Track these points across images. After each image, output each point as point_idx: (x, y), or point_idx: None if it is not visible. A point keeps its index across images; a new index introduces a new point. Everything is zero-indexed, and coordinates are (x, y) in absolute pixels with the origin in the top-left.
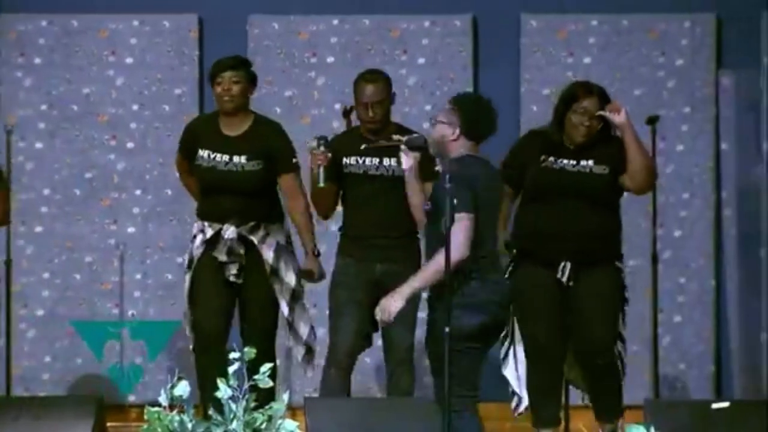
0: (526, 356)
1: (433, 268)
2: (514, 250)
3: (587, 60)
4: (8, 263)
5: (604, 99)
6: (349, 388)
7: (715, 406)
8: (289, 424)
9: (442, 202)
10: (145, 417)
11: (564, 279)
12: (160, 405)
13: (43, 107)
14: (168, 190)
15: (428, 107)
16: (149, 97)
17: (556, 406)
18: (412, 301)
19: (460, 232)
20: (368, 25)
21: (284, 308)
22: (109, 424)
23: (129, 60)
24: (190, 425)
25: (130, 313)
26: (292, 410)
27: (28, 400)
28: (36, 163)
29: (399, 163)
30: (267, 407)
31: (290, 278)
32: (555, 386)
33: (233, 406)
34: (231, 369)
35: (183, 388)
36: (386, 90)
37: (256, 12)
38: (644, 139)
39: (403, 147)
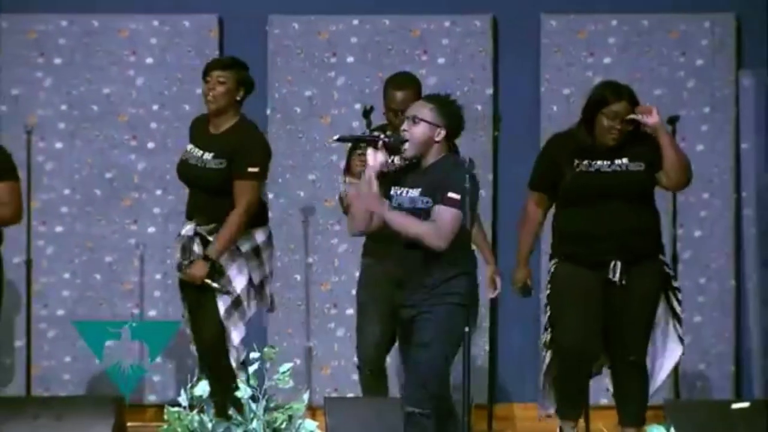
0: (558, 352)
1: (415, 227)
2: (554, 259)
3: (607, 60)
4: (29, 263)
5: (633, 101)
6: (384, 386)
7: (735, 406)
8: (309, 423)
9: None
10: (165, 417)
11: (616, 278)
12: (179, 405)
13: (64, 107)
14: (188, 190)
15: None
16: (169, 97)
17: (583, 401)
18: None
19: (450, 223)
20: (388, 25)
21: (220, 309)
22: (128, 424)
23: (149, 60)
24: (210, 425)
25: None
26: (312, 410)
27: (49, 400)
28: (56, 164)
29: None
30: (287, 407)
31: (239, 283)
32: (585, 383)
33: (253, 405)
34: (250, 369)
35: (203, 388)
36: (416, 96)
37: (276, 12)
38: None
39: (380, 144)
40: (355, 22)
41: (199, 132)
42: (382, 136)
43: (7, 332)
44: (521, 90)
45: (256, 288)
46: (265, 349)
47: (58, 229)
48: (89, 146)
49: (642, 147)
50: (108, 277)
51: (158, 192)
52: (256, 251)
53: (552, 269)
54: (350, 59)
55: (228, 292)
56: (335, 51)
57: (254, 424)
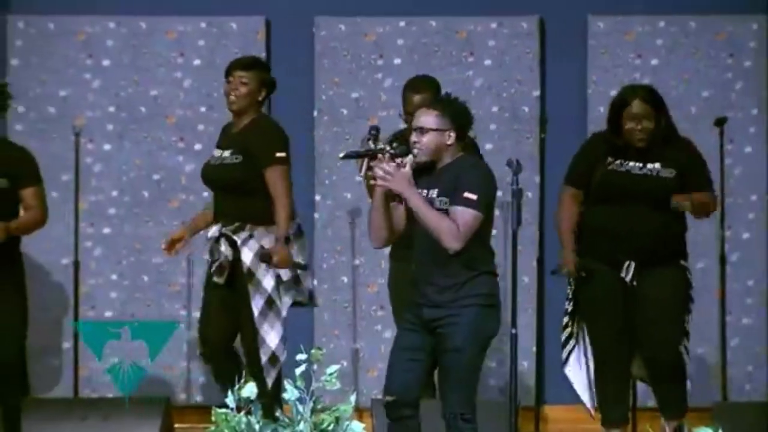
0: (594, 356)
1: (437, 221)
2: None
3: (654, 62)
4: (76, 265)
5: (653, 101)
6: (432, 385)
7: None
8: (356, 425)
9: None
10: (212, 418)
11: (628, 278)
12: (226, 406)
13: (111, 109)
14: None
15: (495, 109)
16: (217, 99)
17: (624, 405)
18: None
19: (466, 224)
20: (435, 26)
21: (255, 312)
22: (175, 425)
23: (197, 62)
24: (257, 426)
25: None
26: (359, 412)
27: (96, 402)
28: (104, 165)
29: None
30: (334, 408)
31: (268, 283)
32: (623, 386)
33: (300, 407)
34: (298, 371)
35: (250, 389)
36: (433, 99)
37: (322, 14)
38: (712, 141)
39: (386, 156)
40: (402, 23)
41: (223, 133)
42: (387, 148)
43: (55, 334)
44: (568, 92)
45: (288, 284)
46: (312, 351)
47: (106, 230)
48: (137, 148)
49: (676, 153)
50: (155, 278)
51: (205, 194)
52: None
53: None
54: (397, 61)
55: (305, 267)
56: (382, 53)
57: (301, 425)
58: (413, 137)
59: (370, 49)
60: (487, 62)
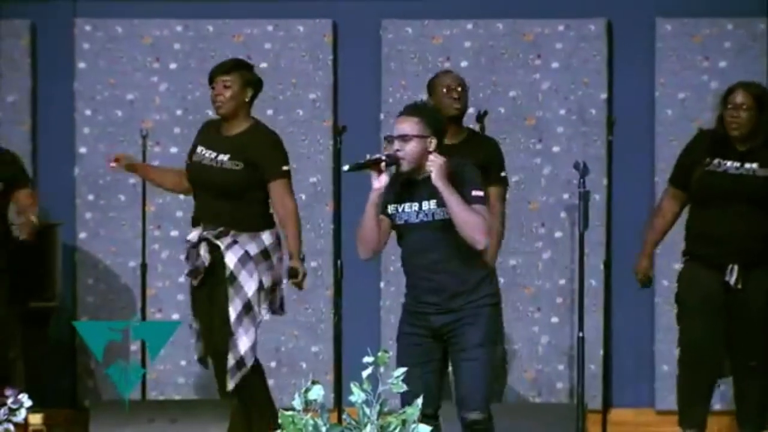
0: (679, 358)
1: (468, 213)
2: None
3: (723, 64)
4: (143, 267)
5: (756, 92)
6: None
7: None
8: (423, 428)
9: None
10: (279, 421)
11: (732, 281)
12: (294, 409)
13: (179, 112)
14: (302, 195)
15: (562, 111)
16: (283, 102)
17: (704, 408)
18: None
19: (488, 219)
20: (502, 29)
21: (232, 315)
22: None
23: (263, 65)
24: (324, 429)
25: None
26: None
27: (164, 404)
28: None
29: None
30: (401, 412)
31: (249, 288)
32: (706, 388)
33: (367, 410)
34: (365, 373)
35: (317, 392)
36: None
37: (389, 17)
38: None
39: (383, 165)
40: (469, 26)
41: (209, 134)
42: (383, 156)
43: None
44: (636, 94)
45: (267, 291)
46: (379, 354)
47: (173, 233)
48: None
49: None
50: None
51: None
52: (265, 254)
53: (680, 269)
54: (464, 63)
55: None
56: (449, 55)
57: (368, 428)
58: (396, 145)
59: (437, 52)
60: (555, 65)
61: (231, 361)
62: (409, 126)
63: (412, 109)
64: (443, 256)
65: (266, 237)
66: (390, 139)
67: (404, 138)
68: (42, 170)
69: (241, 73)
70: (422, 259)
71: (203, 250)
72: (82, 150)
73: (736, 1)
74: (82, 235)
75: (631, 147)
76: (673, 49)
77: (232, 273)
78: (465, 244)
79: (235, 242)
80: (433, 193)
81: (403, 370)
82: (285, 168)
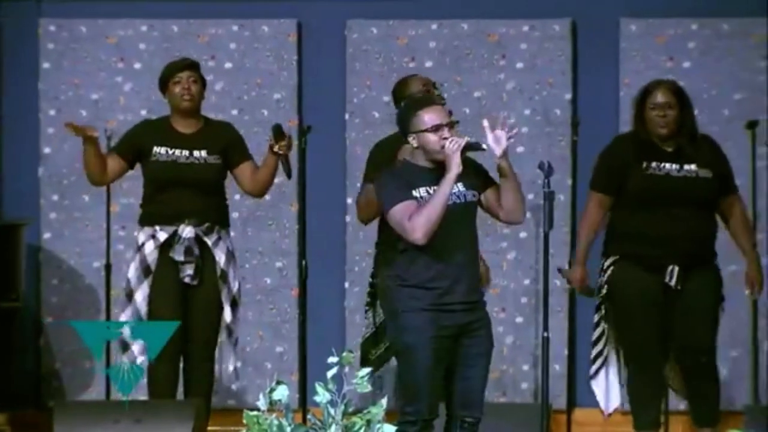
0: (628, 361)
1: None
2: (611, 257)
3: (687, 64)
4: (107, 268)
5: (675, 90)
6: None
7: None
8: (388, 428)
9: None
10: (244, 421)
11: (673, 282)
12: (258, 409)
13: (143, 112)
14: (267, 195)
15: (527, 112)
16: (248, 102)
17: (657, 409)
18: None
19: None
20: (466, 29)
21: (227, 314)
22: (210, 428)
23: (228, 65)
24: (288, 429)
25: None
26: (390, 415)
27: (129, 404)
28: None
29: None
30: (365, 411)
31: (235, 285)
32: (658, 390)
33: (331, 410)
34: (329, 373)
35: (282, 392)
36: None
37: (354, 17)
38: (743, 144)
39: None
40: (434, 26)
41: (164, 134)
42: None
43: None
44: (600, 94)
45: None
46: (344, 354)
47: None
48: None
49: (706, 153)
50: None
51: (237, 197)
52: (234, 253)
53: (609, 269)
54: (428, 64)
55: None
56: (414, 55)
57: (332, 428)
58: (450, 132)
59: (402, 52)
60: (519, 65)
61: (233, 361)
62: (446, 113)
63: (436, 99)
64: (472, 242)
65: (231, 236)
66: (446, 126)
67: (450, 124)
68: (6, 170)
69: (200, 72)
70: (459, 242)
71: (195, 247)
72: (47, 150)
73: (700, 1)
74: (47, 235)
75: (596, 147)
76: (638, 49)
77: (222, 270)
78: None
79: (219, 239)
80: (459, 176)
81: (368, 370)
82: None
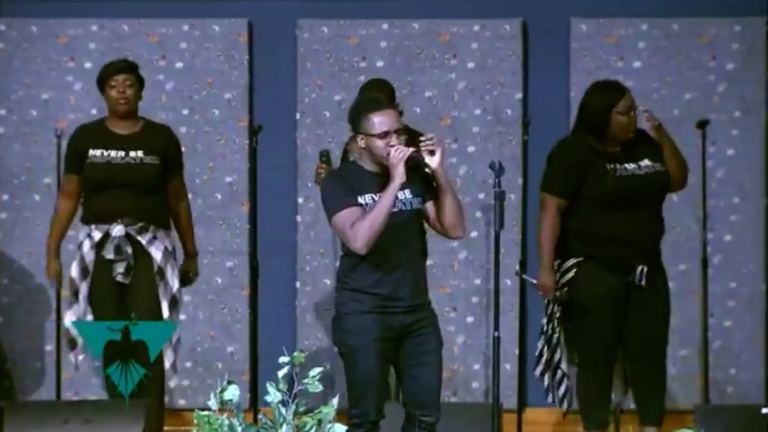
0: (580, 361)
1: (458, 201)
2: (572, 259)
3: (637, 64)
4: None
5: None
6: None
7: (765, 410)
8: (339, 428)
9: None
10: (195, 421)
11: (642, 282)
12: (209, 409)
13: (93, 111)
14: (218, 195)
15: (478, 111)
16: (199, 102)
17: (606, 409)
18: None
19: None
20: (417, 29)
21: (165, 310)
22: (166, 428)
23: (179, 64)
24: (239, 429)
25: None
26: (341, 414)
27: (78, 405)
28: None
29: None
30: (316, 411)
31: (174, 283)
32: (609, 388)
33: (282, 410)
34: (280, 373)
35: (233, 392)
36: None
37: (305, 16)
38: (694, 143)
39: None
40: (385, 26)
41: (98, 137)
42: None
43: (38, 337)
44: (551, 94)
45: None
46: (295, 354)
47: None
48: None
49: (653, 148)
50: None
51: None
52: (174, 253)
53: (572, 271)
54: (380, 63)
55: None
56: (365, 55)
57: (283, 428)
58: (396, 140)
59: (353, 52)
60: (470, 65)
61: (171, 357)
62: (398, 119)
63: (387, 102)
64: (418, 248)
65: (171, 236)
66: (395, 133)
67: (398, 131)
68: None
69: (138, 73)
70: (403, 250)
71: (128, 246)
72: None
73: (650, 1)
74: None
75: (547, 147)
76: (588, 49)
77: (160, 267)
78: (423, 238)
79: (154, 237)
80: (406, 183)
81: (319, 369)
82: (182, 165)
